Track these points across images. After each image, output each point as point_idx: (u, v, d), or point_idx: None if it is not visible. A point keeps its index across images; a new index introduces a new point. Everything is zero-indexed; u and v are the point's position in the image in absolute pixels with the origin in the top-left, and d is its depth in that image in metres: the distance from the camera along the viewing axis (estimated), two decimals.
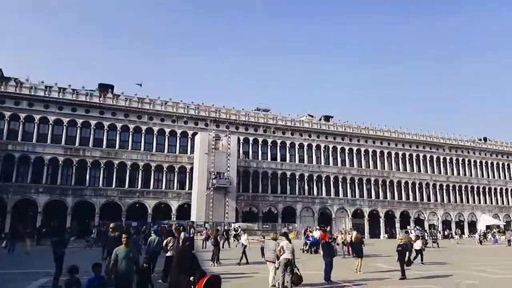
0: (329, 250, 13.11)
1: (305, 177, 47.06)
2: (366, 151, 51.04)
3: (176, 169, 42.36)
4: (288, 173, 46.43)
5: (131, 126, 41.47)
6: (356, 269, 14.61)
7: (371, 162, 51.05)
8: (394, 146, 52.74)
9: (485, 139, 60.90)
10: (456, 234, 44.28)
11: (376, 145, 51.78)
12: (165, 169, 41.85)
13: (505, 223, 54.56)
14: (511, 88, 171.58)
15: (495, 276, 14.39)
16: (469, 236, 49.17)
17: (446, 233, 48.12)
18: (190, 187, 41.76)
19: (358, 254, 15.17)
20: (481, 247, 33.55)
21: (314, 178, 47.53)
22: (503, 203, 57.59)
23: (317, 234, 22.99)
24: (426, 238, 32.60)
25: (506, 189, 58.11)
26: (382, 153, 51.81)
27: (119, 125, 41.04)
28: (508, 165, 59.31)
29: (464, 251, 28.76)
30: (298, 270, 10.65)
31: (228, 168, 39.71)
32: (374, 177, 50.52)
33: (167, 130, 42.83)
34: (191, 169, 41.86)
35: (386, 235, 47.33)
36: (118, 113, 41.26)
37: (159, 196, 41.20)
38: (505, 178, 58.64)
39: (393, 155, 52.41)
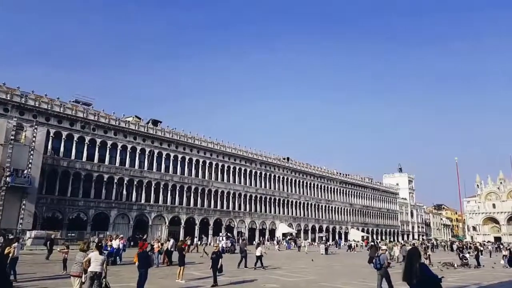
0: (145, 260, 12.40)
1: (125, 182, 44.25)
2: (190, 160, 52.01)
3: None
4: (106, 176, 42.68)
5: None
6: (178, 277, 14.45)
7: (193, 171, 52.25)
8: (216, 157, 55.59)
9: (288, 158, 70.99)
10: (267, 241, 49.33)
11: (200, 154, 53.46)
12: None
13: (296, 232, 64.44)
14: (310, 120, 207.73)
15: (291, 279, 16.48)
16: (269, 242, 55.59)
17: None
18: None
19: (180, 262, 15.03)
20: (279, 252, 38.41)
21: (135, 183, 45.22)
22: (296, 214, 68.00)
23: (115, 243, 21.53)
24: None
25: (300, 202, 68.98)
26: (204, 162, 53.76)
27: None
28: (303, 182, 70.67)
29: (266, 256, 32.14)
30: (108, 283, 9.71)
31: (30, 165, 33.29)
32: (194, 185, 51.79)
33: None
34: None
35: (199, 242, 48.75)
36: None
37: None
38: (299, 193, 69.55)
39: (213, 165, 55.06)
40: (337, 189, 78.68)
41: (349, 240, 58.62)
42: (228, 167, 57.20)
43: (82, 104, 45.42)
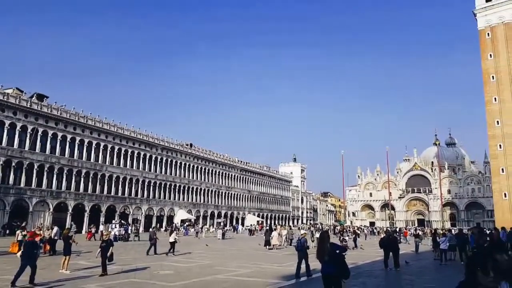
0: (33, 251, 11.27)
1: (0, 163, 38.64)
2: (81, 141, 47.77)
3: None
4: None
5: None
6: (62, 267, 13.52)
7: (84, 153, 48.14)
8: (112, 140, 52.07)
9: (191, 145, 70.26)
10: (170, 227, 47.81)
11: (94, 136, 49.46)
12: None
13: (195, 218, 64.45)
14: (202, 107, 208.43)
15: (186, 265, 16.47)
16: (165, 230, 54.43)
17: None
18: None
19: (65, 251, 13.95)
20: (169, 239, 37.83)
21: (13, 164, 39.76)
22: (196, 200, 67.94)
23: None
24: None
25: (201, 189, 69.03)
26: (98, 145, 49.94)
27: None
28: (205, 168, 70.80)
29: (162, 243, 31.55)
30: None
31: None
32: (85, 169, 47.83)
33: None
34: None
35: (90, 230, 45.47)
36: None
37: None
38: (201, 179, 69.57)
39: (108, 148, 51.50)
40: (237, 176, 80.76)
41: (251, 225, 60.95)
42: (126, 151, 54.15)
43: None
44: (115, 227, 36.48)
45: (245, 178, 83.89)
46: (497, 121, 53.50)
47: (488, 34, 56.26)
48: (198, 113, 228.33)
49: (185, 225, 53.31)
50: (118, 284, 11.63)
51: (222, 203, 74.86)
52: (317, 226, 71.29)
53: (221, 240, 36.77)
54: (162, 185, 60.27)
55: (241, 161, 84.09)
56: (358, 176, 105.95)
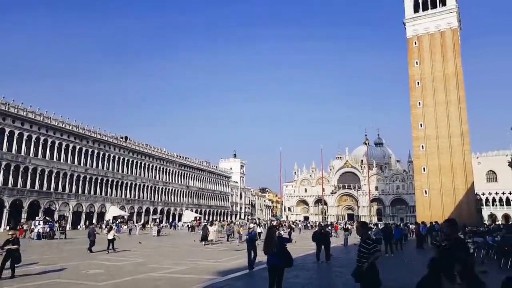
0: None
1: None
2: (2, 130, 43.32)
3: None
4: None
5: None
6: None
7: (5, 144, 43.72)
8: (37, 130, 47.95)
9: (126, 138, 67.11)
10: (109, 224, 45.27)
11: (16, 125, 45.12)
12: None
13: (129, 214, 61.75)
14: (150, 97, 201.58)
15: (117, 263, 15.69)
16: (99, 227, 51.44)
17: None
18: None
19: None
20: (108, 236, 35.99)
21: None
22: (131, 196, 65.12)
23: None
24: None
25: (136, 184, 66.28)
26: (21, 135, 45.67)
27: None
28: (141, 163, 68.09)
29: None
30: None
31: None
32: (5, 161, 43.50)
33: None
34: None
35: (8, 227, 41.53)
36: None
37: None
38: (136, 174, 66.81)
39: (33, 139, 47.35)
40: (175, 171, 78.93)
41: (193, 221, 60.03)
42: (53, 142, 50.19)
43: None
44: (39, 224, 33.94)
45: (184, 173, 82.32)
46: (421, 124, 58.38)
47: (415, 42, 61.07)
48: (142, 110, 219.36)
49: (117, 222, 50.89)
50: (39, 285, 10.73)
51: (158, 199, 72.72)
52: (255, 220, 72.49)
53: (156, 237, 35.68)
54: (93, 180, 56.92)
55: (180, 156, 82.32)
56: (295, 172, 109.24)
